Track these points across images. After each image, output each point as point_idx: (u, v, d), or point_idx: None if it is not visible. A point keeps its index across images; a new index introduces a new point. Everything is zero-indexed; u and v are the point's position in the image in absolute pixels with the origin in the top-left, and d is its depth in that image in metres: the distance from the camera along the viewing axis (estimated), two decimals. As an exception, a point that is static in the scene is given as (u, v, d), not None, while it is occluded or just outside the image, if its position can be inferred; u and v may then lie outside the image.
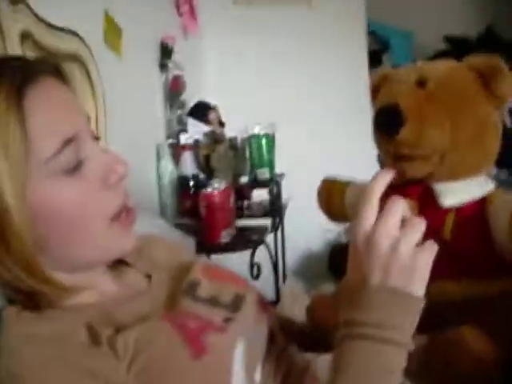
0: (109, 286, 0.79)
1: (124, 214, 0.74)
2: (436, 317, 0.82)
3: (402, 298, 0.65)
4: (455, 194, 0.81)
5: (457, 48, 3.21)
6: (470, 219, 0.79)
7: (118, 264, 0.86)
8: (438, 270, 0.81)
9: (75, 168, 0.68)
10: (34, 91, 0.66)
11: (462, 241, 0.80)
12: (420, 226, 0.68)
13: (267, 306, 0.88)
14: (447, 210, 0.80)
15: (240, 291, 0.83)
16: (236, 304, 0.80)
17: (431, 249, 0.67)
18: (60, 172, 0.66)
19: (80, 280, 0.73)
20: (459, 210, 0.80)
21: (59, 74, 0.73)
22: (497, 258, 0.79)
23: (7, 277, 0.66)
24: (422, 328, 0.86)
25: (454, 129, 0.79)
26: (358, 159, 2.40)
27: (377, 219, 0.67)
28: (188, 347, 0.66)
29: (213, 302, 0.79)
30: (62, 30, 1.33)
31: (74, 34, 1.39)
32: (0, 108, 0.62)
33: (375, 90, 0.92)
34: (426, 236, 0.81)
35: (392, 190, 0.90)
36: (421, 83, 0.82)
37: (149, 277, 0.85)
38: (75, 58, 1.35)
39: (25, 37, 1.16)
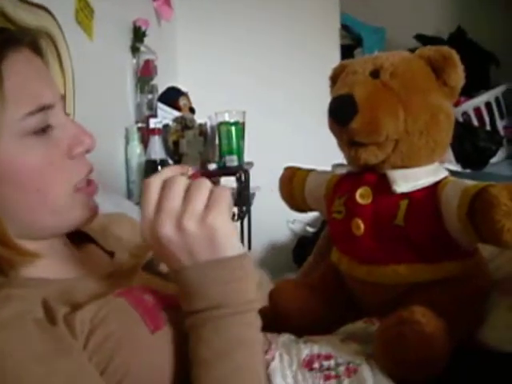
0: (71, 261, 0.79)
1: (84, 183, 0.75)
2: (388, 299, 0.85)
3: (219, 267, 0.64)
4: (408, 180, 0.83)
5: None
6: (423, 205, 0.82)
7: (84, 242, 0.87)
8: (391, 255, 0.84)
9: (44, 130, 0.69)
10: (13, 57, 0.68)
11: (415, 226, 0.82)
12: (178, 185, 0.64)
13: None
14: (401, 197, 0.83)
15: None
16: None
17: (220, 201, 0.64)
18: (29, 133, 0.68)
19: (41, 249, 0.73)
20: (412, 197, 0.82)
21: (37, 49, 0.75)
22: (447, 242, 0.82)
23: None
24: (375, 310, 0.89)
25: (407, 117, 0.81)
26: (327, 150, 2.42)
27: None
28: (144, 322, 0.67)
29: None
30: (33, 4, 1.32)
31: (45, 10, 1.38)
32: None
33: (334, 81, 0.94)
34: (381, 222, 0.84)
35: (348, 178, 0.93)
36: (375, 73, 0.84)
37: (112, 254, 0.86)
38: (45, 35, 1.34)
39: (-6, 10, 1.15)
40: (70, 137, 0.72)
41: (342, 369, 0.75)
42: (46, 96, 0.70)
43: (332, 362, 0.76)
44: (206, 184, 0.66)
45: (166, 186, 0.65)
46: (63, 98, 0.77)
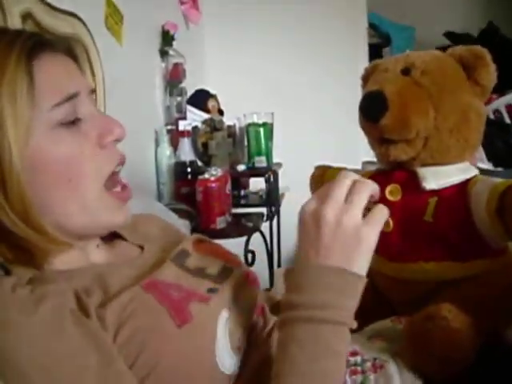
0: (101, 255, 0.81)
1: (119, 188, 0.76)
2: (417, 296, 0.85)
3: (341, 277, 0.66)
4: (438, 177, 0.83)
5: (458, 44, 3.21)
6: (452, 202, 0.82)
7: (113, 238, 0.89)
8: (420, 252, 0.84)
9: (73, 122, 0.71)
10: (46, 58, 0.71)
11: (444, 223, 0.82)
12: (363, 190, 0.68)
13: (255, 280, 0.88)
14: (430, 194, 0.83)
15: (228, 265, 0.85)
16: (222, 275, 0.81)
17: (378, 218, 0.67)
18: (59, 124, 0.70)
19: (75, 243, 0.75)
20: (441, 194, 0.82)
21: (71, 55, 0.77)
22: (477, 240, 0.81)
23: (5, 222, 0.67)
24: (403, 308, 0.89)
25: (437, 115, 0.81)
26: (356, 150, 2.41)
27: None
28: (171, 316, 0.68)
29: (199, 272, 0.81)
30: (63, 12, 1.34)
31: (76, 16, 1.41)
32: (11, 60, 0.67)
33: (366, 80, 0.94)
34: (410, 219, 0.84)
35: (378, 176, 0.93)
36: (406, 71, 0.84)
37: (141, 248, 0.87)
38: (76, 41, 1.37)
39: (26, 17, 1.18)
40: (100, 127, 0.74)
41: (368, 365, 0.75)
42: (71, 87, 0.72)
43: (358, 358, 0.76)
44: (384, 209, 0.69)
45: (354, 188, 0.68)
46: (93, 92, 0.78)
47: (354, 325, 0.66)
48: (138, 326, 0.67)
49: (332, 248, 0.66)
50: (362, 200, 0.67)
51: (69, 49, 0.77)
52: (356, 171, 1.03)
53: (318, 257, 0.67)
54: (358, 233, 0.66)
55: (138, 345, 0.66)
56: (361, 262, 0.67)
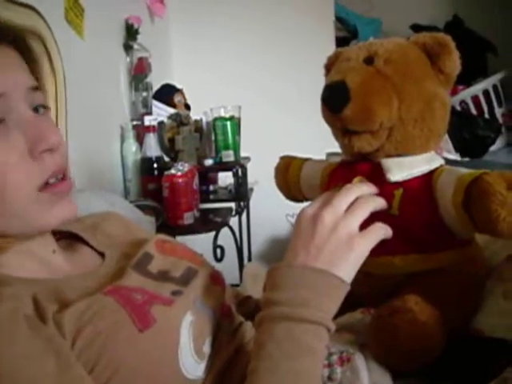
0: (60, 265, 0.77)
1: (53, 179, 0.68)
2: (383, 290, 0.84)
3: (326, 279, 0.66)
4: (403, 169, 0.82)
5: (424, 36, 3.22)
6: (418, 194, 0.81)
7: (74, 241, 0.86)
8: (386, 246, 0.83)
9: None
10: None
11: (410, 215, 0.81)
12: (366, 205, 0.70)
13: (221, 280, 0.87)
14: (395, 186, 0.81)
15: (193, 266, 0.83)
16: (186, 277, 0.79)
17: (374, 234, 0.69)
18: None
19: (27, 251, 0.72)
20: (407, 185, 0.81)
21: (18, 46, 0.70)
22: (443, 231, 0.81)
23: None
24: (370, 301, 0.88)
25: (401, 105, 0.80)
26: (325, 144, 2.41)
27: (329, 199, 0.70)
28: (133, 320, 0.66)
29: (163, 276, 0.78)
30: (19, 4, 1.30)
31: (33, 9, 1.36)
32: None
33: (328, 69, 0.93)
34: (375, 212, 0.83)
35: (343, 167, 0.91)
36: (369, 60, 0.83)
37: (103, 255, 0.84)
38: (33, 34, 1.33)
39: (-22, 9, 1.14)
40: (31, 134, 0.65)
41: (334, 358, 0.75)
42: (1, 85, 0.64)
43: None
44: (383, 229, 0.71)
45: (358, 201, 0.70)
46: (35, 89, 0.69)
47: (332, 328, 0.65)
48: (99, 330, 0.64)
49: (322, 250, 0.67)
50: (362, 212, 0.69)
51: (14, 40, 0.69)
52: (321, 162, 1.03)
53: (307, 257, 0.67)
54: (350, 241, 0.67)
55: (98, 348, 0.63)
56: (347, 270, 0.67)
